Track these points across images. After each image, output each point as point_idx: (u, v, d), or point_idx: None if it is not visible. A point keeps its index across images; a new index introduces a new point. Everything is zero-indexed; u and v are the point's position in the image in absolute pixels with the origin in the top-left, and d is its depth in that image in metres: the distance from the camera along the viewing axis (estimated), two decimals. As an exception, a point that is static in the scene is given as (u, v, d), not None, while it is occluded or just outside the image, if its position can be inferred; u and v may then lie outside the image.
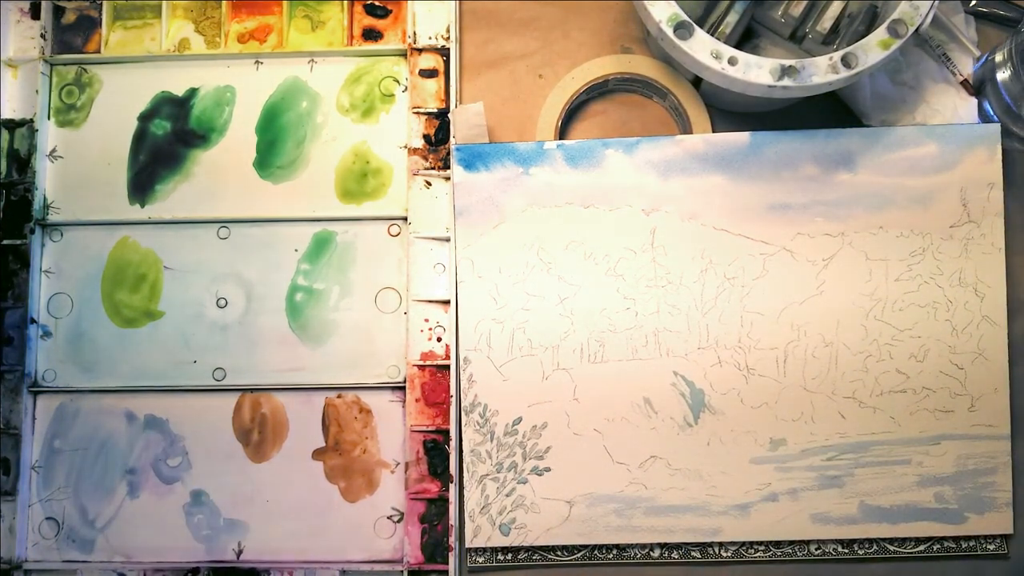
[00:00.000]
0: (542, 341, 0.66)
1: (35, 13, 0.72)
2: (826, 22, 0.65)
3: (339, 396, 0.68)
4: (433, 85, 0.69)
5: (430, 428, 0.66)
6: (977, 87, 0.67)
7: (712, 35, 0.62)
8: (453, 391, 0.66)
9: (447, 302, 0.67)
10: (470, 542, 0.66)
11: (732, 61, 0.60)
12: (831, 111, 0.69)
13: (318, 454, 0.68)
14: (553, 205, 0.67)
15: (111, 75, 0.72)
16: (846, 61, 0.60)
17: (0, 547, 0.67)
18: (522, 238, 0.67)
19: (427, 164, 0.68)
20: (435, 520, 0.66)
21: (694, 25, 0.60)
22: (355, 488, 0.67)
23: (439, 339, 0.67)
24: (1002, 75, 0.65)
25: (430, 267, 0.68)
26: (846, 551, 0.66)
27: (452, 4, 0.70)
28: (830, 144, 0.66)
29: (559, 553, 0.66)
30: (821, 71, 0.60)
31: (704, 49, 0.60)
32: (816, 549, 0.66)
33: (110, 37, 0.72)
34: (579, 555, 0.66)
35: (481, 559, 0.66)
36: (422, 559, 0.66)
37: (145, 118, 0.71)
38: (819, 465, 0.65)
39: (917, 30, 0.60)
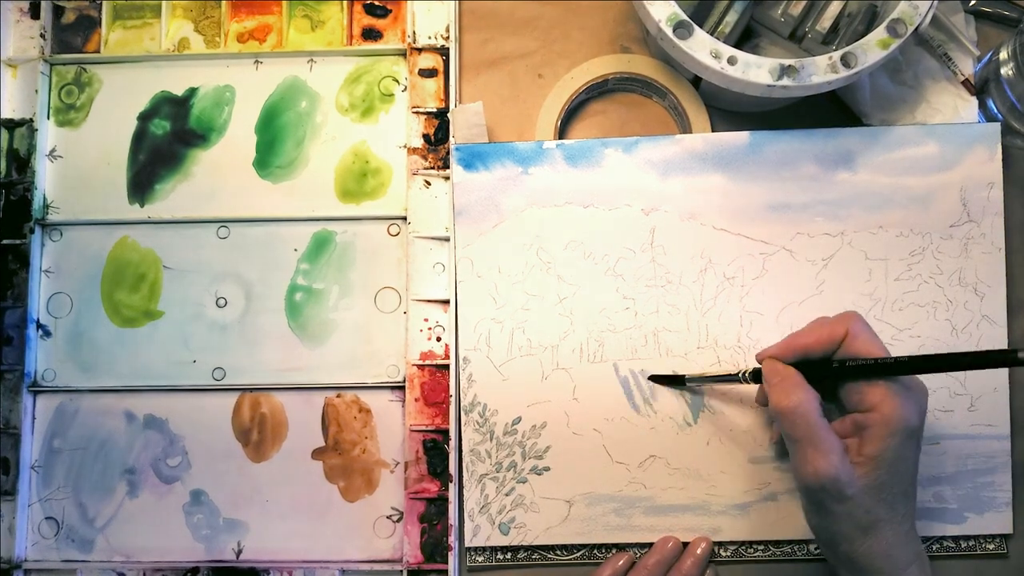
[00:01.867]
0: (541, 341, 0.66)
1: (35, 13, 0.72)
2: (825, 21, 0.65)
3: (338, 396, 0.68)
4: (432, 85, 0.69)
5: (429, 428, 0.66)
6: (980, 85, 0.67)
7: (712, 35, 0.62)
8: (452, 391, 0.66)
9: (446, 302, 0.67)
10: (469, 541, 0.66)
11: (731, 61, 0.60)
12: (831, 111, 0.69)
13: (317, 454, 0.68)
14: (553, 205, 0.67)
15: (111, 75, 0.72)
16: (845, 60, 0.60)
17: (0, 547, 0.67)
18: (521, 238, 0.67)
19: (426, 164, 0.68)
20: (434, 520, 0.66)
21: (693, 25, 0.60)
22: (354, 488, 0.67)
23: (438, 339, 0.67)
24: (1006, 72, 0.65)
25: (429, 267, 0.68)
26: (846, 551, 0.66)
27: (452, 4, 0.70)
28: (830, 143, 0.66)
29: (559, 552, 0.66)
30: (821, 70, 0.60)
31: (703, 49, 0.60)
32: (816, 549, 0.66)
33: (110, 37, 0.72)
34: (579, 554, 0.66)
35: (481, 558, 0.66)
36: (421, 558, 0.66)
37: (145, 118, 0.71)
38: (819, 465, 0.65)
39: (916, 29, 0.60)
